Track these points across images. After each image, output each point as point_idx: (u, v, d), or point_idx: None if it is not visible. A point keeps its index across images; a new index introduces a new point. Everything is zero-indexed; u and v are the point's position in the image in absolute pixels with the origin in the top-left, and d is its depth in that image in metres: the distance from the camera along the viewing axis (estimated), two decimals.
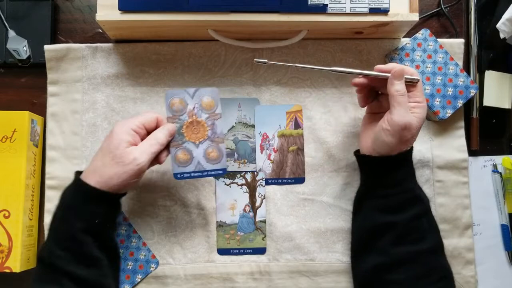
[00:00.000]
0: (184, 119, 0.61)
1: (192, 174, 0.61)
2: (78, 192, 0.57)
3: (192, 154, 0.61)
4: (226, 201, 0.68)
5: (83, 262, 0.55)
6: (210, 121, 0.62)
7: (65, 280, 0.54)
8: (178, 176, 0.61)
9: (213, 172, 0.62)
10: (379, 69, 0.61)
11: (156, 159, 0.60)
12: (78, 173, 0.58)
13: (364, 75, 0.61)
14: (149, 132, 0.59)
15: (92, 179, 0.55)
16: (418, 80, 0.60)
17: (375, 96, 0.64)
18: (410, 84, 0.59)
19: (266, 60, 0.63)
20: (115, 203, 0.59)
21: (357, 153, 0.65)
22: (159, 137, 0.58)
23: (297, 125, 0.70)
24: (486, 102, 0.71)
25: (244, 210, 0.68)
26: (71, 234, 0.55)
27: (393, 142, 0.58)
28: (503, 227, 0.71)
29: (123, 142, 0.55)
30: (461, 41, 0.71)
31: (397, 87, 0.58)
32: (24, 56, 0.66)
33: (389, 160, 0.59)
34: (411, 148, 0.61)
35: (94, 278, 0.56)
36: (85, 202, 0.56)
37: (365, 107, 0.65)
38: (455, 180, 0.69)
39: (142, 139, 0.58)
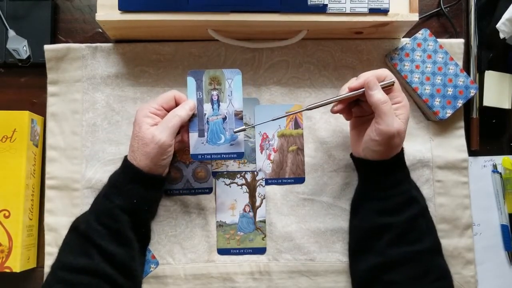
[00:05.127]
0: None
1: (181, 191, 0.68)
2: (123, 170, 0.61)
3: (182, 172, 0.67)
4: (226, 201, 0.68)
5: (116, 240, 0.58)
6: None
7: (95, 252, 0.56)
8: (168, 192, 0.68)
9: (200, 190, 0.68)
10: (352, 88, 0.59)
11: (181, 140, 0.62)
12: (126, 156, 0.62)
13: (340, 100, 0.60)
14: (169, 111, 0.61)
15: (132, 162, 0.60)
16: (393, 83, 0.58)
17: (356, 103, 0.63)
18: (387, 88, 0.58)
19: (245, 128, 0.62)
20: (151, 186, 0.60)
21: (353, 155, 0.65)
22: (177, 111, 0.60)
23: (297, 125, 0.70)
24: (486, 102, 0.71)
25: (244, 210, 0.68)
26: (110, 210, 0.58)
27: (382, 150, 0.58)
28: (503, 227, 0.71)
29: (144, 124, 0.59)
30: (461, 41, 0.71)
31: (377, 97, 0.56)
32: (24, 56, 0.66)
33: (385, 164, 0.59)
34: (402, 149, 0.61)
35: (122, 257, 0.58)
36: (126, 180, 0.59)
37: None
38: (455, 180, 0.69)
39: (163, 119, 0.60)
